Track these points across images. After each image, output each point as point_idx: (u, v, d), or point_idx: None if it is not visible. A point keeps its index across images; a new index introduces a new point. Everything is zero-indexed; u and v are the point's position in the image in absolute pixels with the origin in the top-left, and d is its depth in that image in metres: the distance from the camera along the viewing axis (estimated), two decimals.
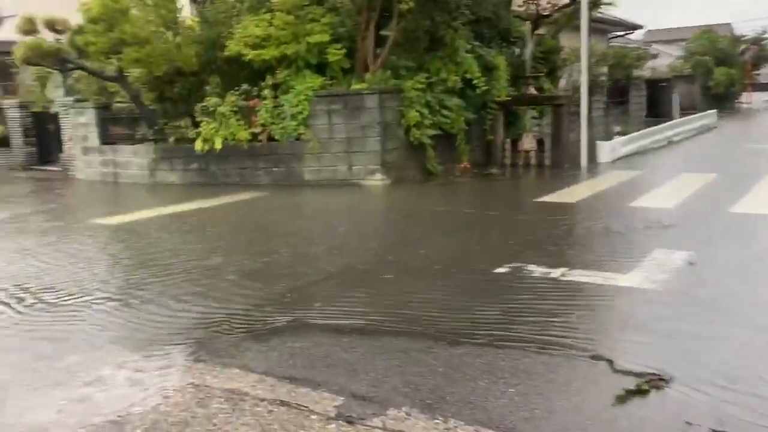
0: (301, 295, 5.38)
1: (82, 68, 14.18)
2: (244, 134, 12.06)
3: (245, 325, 4.70)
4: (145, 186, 12.74)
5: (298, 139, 11.86)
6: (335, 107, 11.65)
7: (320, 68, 12.28)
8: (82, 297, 5.55)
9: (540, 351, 4.05)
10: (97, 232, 8.50)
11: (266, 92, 12.00)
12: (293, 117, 11.76)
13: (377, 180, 11.53)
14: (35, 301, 5.52)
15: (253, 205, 10.34)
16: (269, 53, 11.92)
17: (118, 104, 14.88)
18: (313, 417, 3.32)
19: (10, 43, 14.18)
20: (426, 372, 3.79)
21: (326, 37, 11.95)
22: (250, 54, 12.01)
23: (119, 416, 3.44)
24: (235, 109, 12.12)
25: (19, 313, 5.24)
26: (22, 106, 16.58)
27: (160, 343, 4.44)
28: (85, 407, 3.56)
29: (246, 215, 9.47)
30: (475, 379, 3.67)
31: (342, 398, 3.50)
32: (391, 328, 4.53)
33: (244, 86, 12.48)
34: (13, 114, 16.49)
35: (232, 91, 12.29)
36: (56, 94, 17.02)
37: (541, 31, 15.36)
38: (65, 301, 5.48)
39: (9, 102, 17.02)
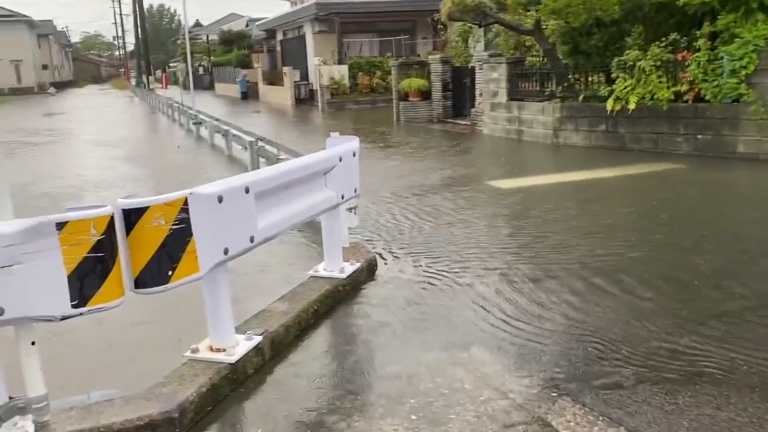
0: (728, 326, 3.88)
1: (500, 22, 14.05)
2: (665, 93, 10.26)
3: (644, 360, 3.51)
4: (547, 146, 12.05)
5: (736, 100, 9.55)
6: None
7: None
8: (451, 270, 5.07)
9: None
10: (490, 196, 8.10)
11: (700, 42, 9.92)
12: (733, 73, 9.46)
13: None
14: (395, 267, 5.26)
15: (667, 180, 8.67)
16: None
17: (532, 59, 14.43)
18: None
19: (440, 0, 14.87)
20: None
21: None
22: None
23: None
24: (658, 63, 10.37)
25: (376, 281, 5.01)
26: (444, 61, 17.50)
27: (531, 359, 3.59)
28: None
29: (659, 193, 7.90)
30: None
31: None
32: None
33: (673, 36, 10.60)
34: (436, 68, 17.55)
35: (656, 43, 10.54)
36: (476, 49, 17.51)
37: None
38: (433, 272, 5.07)
39: (433, 57, 18.18)
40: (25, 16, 61.62)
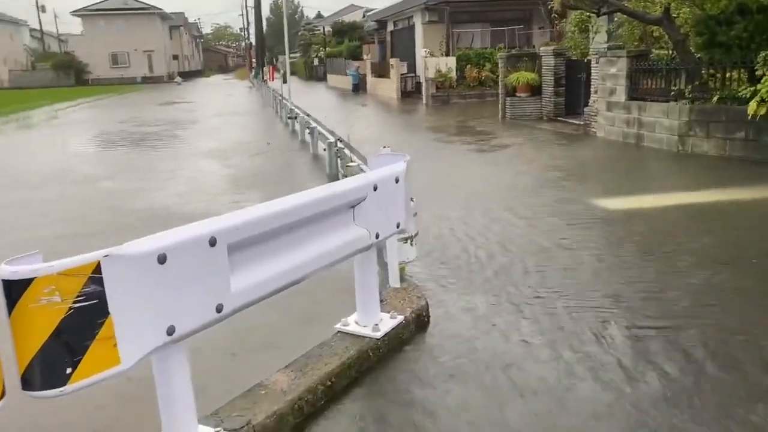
0: None
1: (621, 10, 12.35)
2: None
3: None
4: (671, 155, 10.31)
5: None
6: None
7: None
8: (532, 326, 3.88)
9: None
10: (597, 220, 6.71)
11: None
12: None
13: None
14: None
15: None
16: None
17: (658, 53, 12.58)
18: None
19: None
20: None
21: None
22: None
23: None
24: None
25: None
26: (557, 54, 15.84)
27: None
28: None
29: None
30: None
31: None
32: None
33: None
34: (548, 61, 15.94)
35: None
36: (596, 41, 15.70)
37: None
38: (506, 328, 3.91)
39: (545, 49, 16.56)
40: (157, 8, 65.16)
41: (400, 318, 3.95)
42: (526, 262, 5.32)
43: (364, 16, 49.81)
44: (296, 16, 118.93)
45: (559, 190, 8.21)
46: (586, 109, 13.76)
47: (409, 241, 4.75)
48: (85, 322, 2.13)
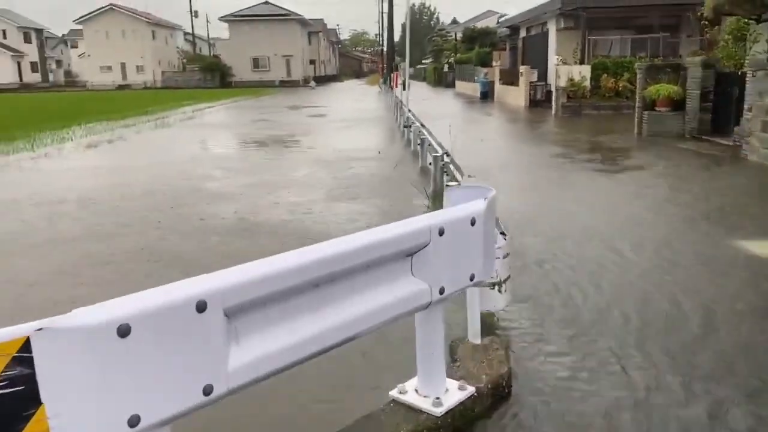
0: None
1: None
2: None
3: None
4: None
5: None
6: None
7: None
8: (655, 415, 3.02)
9: None
10: (739, 268, 5.55)
11: None
12: None
13: None
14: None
15: None
16: None
17: None
18: None
19: None
20: None
21: None
22: None
23: None
24: None
25: None
26: (706, 65, 14.11)
27: None
28: None
29: None
30: None
31: None
32: None
33: None
34: (694, 73, 14.25)
35: None
36: (754, 51, 13.84)
37: None
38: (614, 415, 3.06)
39: (691, 60, 14.85)
40: (297, 14, 67.68)
41: (470, 390, 3.23)
42: (650, 329, 4.37)
43: (498, 22, 48.68)
44: (431, 22, 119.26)
45: (696, 222, 7.01)
46: (736, 129, 12.09)
47: (497, 287, 4.01)
48: (6, 414, 1.65)
